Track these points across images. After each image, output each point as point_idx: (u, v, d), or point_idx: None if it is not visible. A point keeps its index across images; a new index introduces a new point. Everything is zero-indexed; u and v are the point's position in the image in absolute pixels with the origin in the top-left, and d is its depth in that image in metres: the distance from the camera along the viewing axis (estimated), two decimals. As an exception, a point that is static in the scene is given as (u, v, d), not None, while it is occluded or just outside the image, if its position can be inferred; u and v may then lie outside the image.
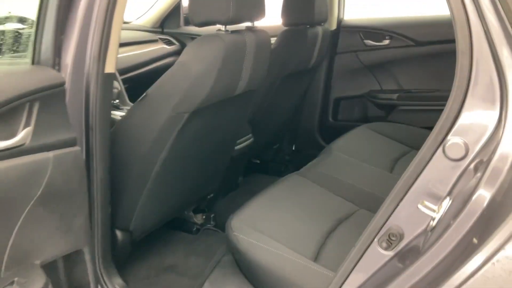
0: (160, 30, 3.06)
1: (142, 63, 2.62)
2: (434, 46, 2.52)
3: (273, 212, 1.59)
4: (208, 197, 2.16)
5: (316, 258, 1.39)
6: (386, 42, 2.68)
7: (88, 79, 1.30)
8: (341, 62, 2.79)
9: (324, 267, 1.33)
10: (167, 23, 3.06)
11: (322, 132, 2.88)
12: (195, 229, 2.13)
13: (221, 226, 2.07)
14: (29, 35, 1.34)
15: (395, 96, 2.67)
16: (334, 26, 2.71)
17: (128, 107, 2.23)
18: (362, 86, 2.78)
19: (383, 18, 2.86)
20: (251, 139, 2.28)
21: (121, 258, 1.68)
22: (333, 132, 2.51)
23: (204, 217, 2.18)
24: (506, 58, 0.84)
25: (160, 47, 2.87)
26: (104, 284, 1.49)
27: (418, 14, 2.77)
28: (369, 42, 2.72)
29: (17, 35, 1.38)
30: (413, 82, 2.68)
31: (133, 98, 2.32)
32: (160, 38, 2.96)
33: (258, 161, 2.84)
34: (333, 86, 2.83)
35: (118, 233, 1.66)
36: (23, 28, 1.52)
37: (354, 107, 2.86)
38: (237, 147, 2.15)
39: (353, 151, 2.13)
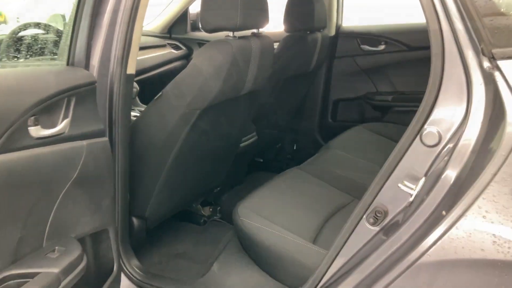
0: (168, 35, 3.13)
1: (151, 67, 2.67)
2: (425, 51, 2.59)
3: (276, 201, 1.71)
4: (215, 190, 2.26)
5: (314, 240, 1.52)
6: (382, 47, 2.76)
7: (112, 79, 1.41)
8: (339, 66, 2.87)
9: (321, 248, 1.45)
10: (175, 29, 3.13)
11: (322, 132, 2.96)
12: (202, 220, 2.23)
13: (227, 218, 2.18)
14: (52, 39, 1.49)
15: (390, 97, 2.76)
16: (333, 32, 2.80)
17: (139, 107, 2.35)
18: (360, 89, 2.86)
19: (379, 25, 2.94)
20: (255, 138, 2.37)
21: (136, 244, 1.77)
22: (332, 132, 2.60)
23: (211, 209, 2.28)
24: (471, 60, 0.98)
25: (168, 52, 2.92)
26: (123, 265, 1.61)
27: (412, 21, 2.88)
28: (366, 47, 2.80)
29: (54, 39, 1.53)
30: (406, 84, 2.76)
31: (143, 100, 2.45)
32: (168, 43, 3.01)
33: (261, 160, 2.91)
34: (332, 88, 2.91)
35: (135, 220, 1.77)
36: (44, 33, 1.68)
37: (352, 109, 2.93)
38: (242, 144, 2.24)
39: (349, 148, 2.23)
